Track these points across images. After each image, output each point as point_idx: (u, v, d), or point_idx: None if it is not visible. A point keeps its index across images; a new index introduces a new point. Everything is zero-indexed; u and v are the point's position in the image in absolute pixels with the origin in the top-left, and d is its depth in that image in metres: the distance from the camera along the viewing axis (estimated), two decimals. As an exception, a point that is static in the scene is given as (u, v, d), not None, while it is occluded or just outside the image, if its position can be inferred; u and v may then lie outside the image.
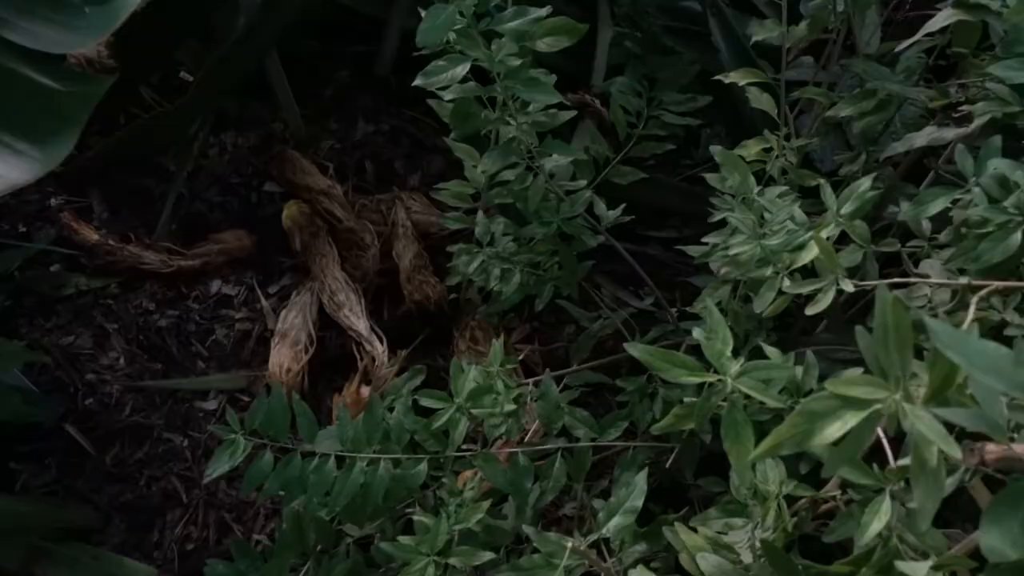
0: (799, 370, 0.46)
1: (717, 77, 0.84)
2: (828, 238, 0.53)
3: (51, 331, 1.05)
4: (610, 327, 0.94)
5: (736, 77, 0.81)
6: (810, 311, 0.46)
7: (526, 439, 0.86)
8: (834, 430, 0.27)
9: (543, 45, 0.76)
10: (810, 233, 0.46)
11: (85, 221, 1.13)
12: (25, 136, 0.33)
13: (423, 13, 0.70)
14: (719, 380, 0.41)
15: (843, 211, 0.48)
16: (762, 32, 0.78)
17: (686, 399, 0.46)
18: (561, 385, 0.92)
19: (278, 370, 1.01)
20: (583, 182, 0.86)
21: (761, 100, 0.83)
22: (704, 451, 0.83)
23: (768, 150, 0.79)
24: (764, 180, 0.76)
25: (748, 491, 0.65)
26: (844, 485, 0.59)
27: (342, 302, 1.05)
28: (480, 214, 0.92)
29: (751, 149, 0.80)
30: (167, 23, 1.06)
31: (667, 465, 0.78)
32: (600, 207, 0.84)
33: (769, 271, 0.48)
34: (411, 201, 1.19)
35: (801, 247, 0.46)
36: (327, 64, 1.37)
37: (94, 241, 1.10)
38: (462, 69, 0.72)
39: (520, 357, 1.01)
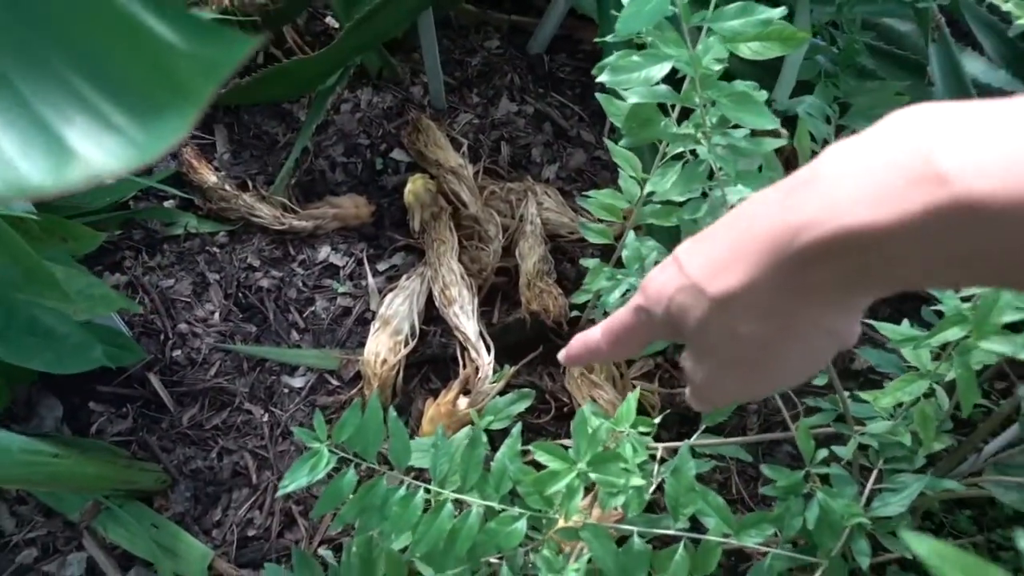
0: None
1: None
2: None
3: (153, 270, 1.00)
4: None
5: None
6: None
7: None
8: None
9: (747, 51, 0.63)
10: None
11: (207, 160, 1.07)
12: (128, 109, 0.22)
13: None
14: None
15: None
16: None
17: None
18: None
19: (373, 359, 0.92)
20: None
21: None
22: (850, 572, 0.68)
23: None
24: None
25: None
26: None
27: (454, 297, 0.95)
28: (631, 234, 0.79)
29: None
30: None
31: (809, 585, 0.65)
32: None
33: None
34: (544, 196, 1.08)
35: None
36: (479, 31, 1.26)
37: (211, 183, 1.04)
38: (659, 70, 0.59)
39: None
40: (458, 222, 1.04)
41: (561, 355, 0.44)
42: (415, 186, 1.05)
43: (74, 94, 0.23)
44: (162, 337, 0.95)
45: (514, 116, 1.19)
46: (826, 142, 0.93)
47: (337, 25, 1.24)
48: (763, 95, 0.62)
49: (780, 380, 0.34)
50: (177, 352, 0.94)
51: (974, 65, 1.19)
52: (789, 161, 0.99)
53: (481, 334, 0.93)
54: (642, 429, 0.64)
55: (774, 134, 1.00)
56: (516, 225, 1.05)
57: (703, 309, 0.30)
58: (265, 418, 0.91)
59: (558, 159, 1.16)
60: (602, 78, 0.59)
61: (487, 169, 1.13)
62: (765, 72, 1.09)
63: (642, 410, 0.95)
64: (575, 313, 0.96)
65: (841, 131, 1.00)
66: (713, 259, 0.30)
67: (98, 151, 0.23)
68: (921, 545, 0.32)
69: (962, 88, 1.06)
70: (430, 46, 1.08)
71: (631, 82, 0.59)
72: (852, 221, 0.24)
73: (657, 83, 0.60)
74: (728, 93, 0.60)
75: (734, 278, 0.29)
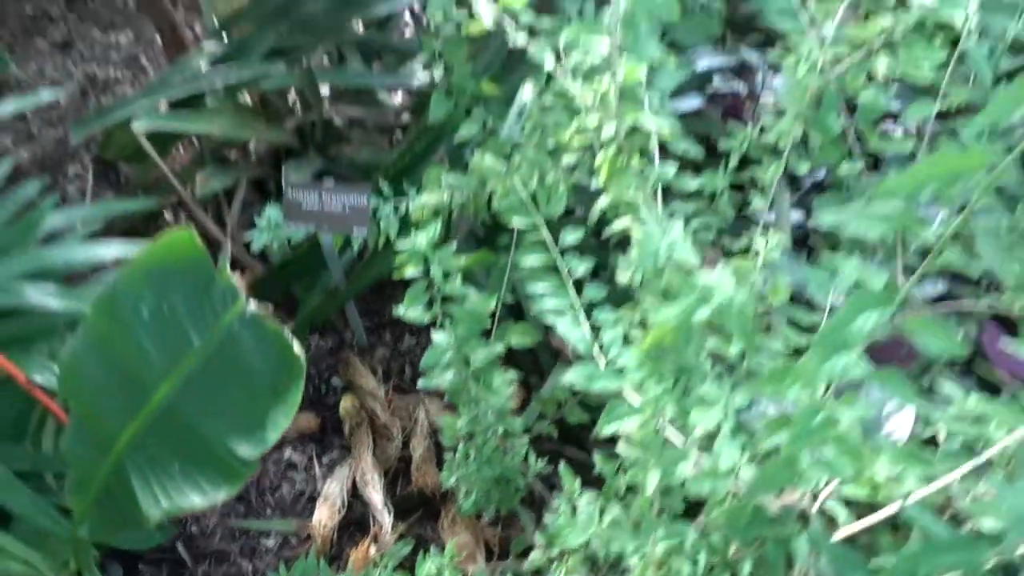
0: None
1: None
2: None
3: (176, 472, 1.56)
4: (542, 532, 1.37)
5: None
6: None
7: (468, 607, 1.29)
8: None
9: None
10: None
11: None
12: (251, 442, 0.82)
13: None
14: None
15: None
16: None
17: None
18: (501, 567, 1.35)
19: (318, 524, 1.48)
20: (526, 438, 1.31)
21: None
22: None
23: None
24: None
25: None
26: None
27: (368, 481, 1.52)
28: (461, 444, 1.38)
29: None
30: (288, 276, 1.62)
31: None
32: (531, 459, 1.29)
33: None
34: (431, 405, 1.67)
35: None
36: (390, 289, 1.90)
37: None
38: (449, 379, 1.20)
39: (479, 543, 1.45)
40: (374, 427, 1.63)
41: None
42: (346, 404, 1.64)
43: (224, 443, 0.83)
44: (182, 519, 1.50)
45: (414, 347, 1.81)
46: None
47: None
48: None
49: None
50: (193, 528, 1.49)
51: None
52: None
53: (386, 504, 1.50)
54: (456, 559, 1.20)
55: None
56: (411, 427, 1.64)
57: None
58: (251, 568, 1.45)
59: (443, 374, 1.77)
60: (420, 384, 1.19)
61: (396, 386, 1.73)
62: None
63: (489, 548, 1.50)
64: (447, 488, 1.53)
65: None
66: None
67: (241, 463, 0.83)
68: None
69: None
70: (352, 313, 1.71)
71: (432, 386, 1.20)
72: None
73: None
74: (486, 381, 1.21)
75: None
